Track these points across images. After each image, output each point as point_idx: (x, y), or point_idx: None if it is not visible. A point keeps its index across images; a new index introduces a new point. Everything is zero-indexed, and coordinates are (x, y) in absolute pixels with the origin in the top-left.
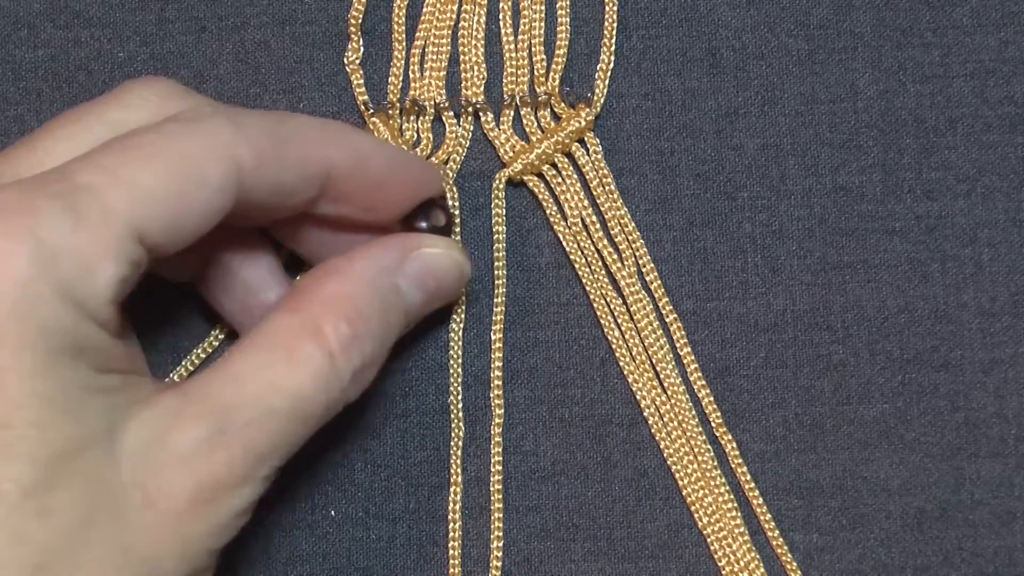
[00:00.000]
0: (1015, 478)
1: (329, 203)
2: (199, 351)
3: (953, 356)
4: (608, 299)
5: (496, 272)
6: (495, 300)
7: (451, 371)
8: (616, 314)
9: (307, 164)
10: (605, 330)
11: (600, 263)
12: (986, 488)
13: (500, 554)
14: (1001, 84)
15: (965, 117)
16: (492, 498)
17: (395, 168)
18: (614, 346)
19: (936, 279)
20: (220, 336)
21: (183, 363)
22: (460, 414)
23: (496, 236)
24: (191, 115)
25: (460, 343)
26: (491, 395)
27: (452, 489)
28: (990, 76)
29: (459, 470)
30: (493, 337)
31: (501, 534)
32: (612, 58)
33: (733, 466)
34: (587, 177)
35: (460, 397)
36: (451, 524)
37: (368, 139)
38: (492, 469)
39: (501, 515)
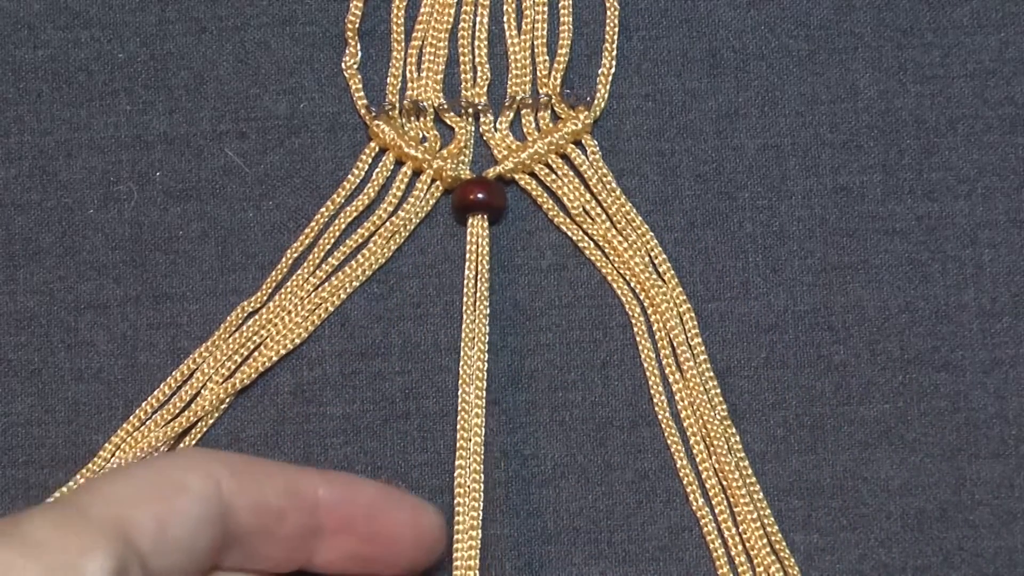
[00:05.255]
0: (1015, 479)
1: (328, 547)
2: (196, 356)
3: (954, 356)
4: (619, 286)
5: (479, 272)
6: (478, 302)
7: (461, 374)
8: (628, 305)
9: (289, 483)
10: (626, 307)
11: (610, 248)
12: (986, 489)
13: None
14: (1001, 85)
15: (965, 118)
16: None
17: (390, 498)
18: (636, 334)
19: (937, 279)
20: (221, 340)
21: (182, 366)
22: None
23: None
24: (168, 452)
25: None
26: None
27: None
28: (990, 77)
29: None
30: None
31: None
32: (613, 63)
33: (736, 465)
34: (585, 176)
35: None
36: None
37: (358, 476)
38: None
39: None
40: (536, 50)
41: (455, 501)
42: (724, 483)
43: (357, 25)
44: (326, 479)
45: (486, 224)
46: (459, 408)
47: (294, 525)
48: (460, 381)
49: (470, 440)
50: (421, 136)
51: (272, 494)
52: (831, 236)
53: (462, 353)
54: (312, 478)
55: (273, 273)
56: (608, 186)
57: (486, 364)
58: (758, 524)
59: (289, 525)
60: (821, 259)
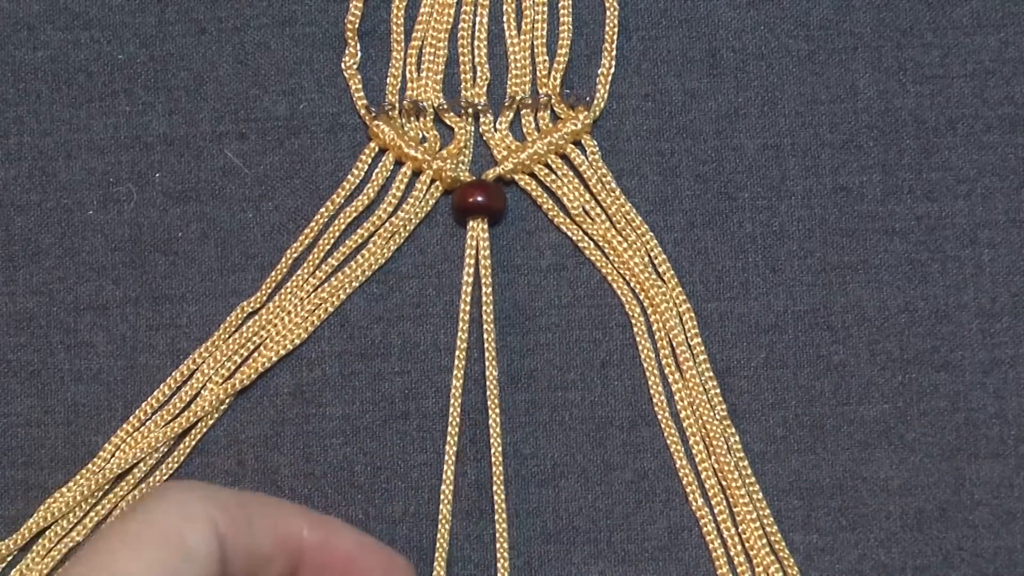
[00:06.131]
0: (1015, 479)
1: None
2: (195, 356)
3: (953, 356)
4: (619, 286)
5: (483, 276)
6: (484, 306)
7: (454, 374)
8: (628, 305)
9: (278, 528)
10: (626, 307)
11: (610, 248)
12: (986, 488)
13: (506, 557)
14: (1001, 85)
15: (965, 118)
16: (495, 500)
17: (364, 546)
18: (636, 334)
19: (936, 279)
20: (220, 340)
21: (182, 366)
22: (458, 417)
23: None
24: (162, 490)
25: (466, 346)
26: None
27: (443, 491)
28: (990, 77)
29: (451, 473)
30: (485, 340)
31: (506, 537)
32: (613, 63)
33: (735, 465)
34: (584, 176)
35: (460, 400)
36: (440, 526)
37: (337, 520)
38: (493, 471)
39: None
40: (536, 50)
41: (440, 499)
42: (723, 483)
43: (357, 25)
44: (310, 521)
45: (486, 227)
46: (450, 410)
47: (279, 570)
48: (453, 385)
49: (491, 443)
50: (421, 136)
51: (264, 541)
52: (831, 236)
53: (456, 358)
54: (298, 519)
55: (273, 274)
56: (608, 186)
57: (497, 369)
58: (757, 524)
59: (274, 570)
60: (821, 259)
